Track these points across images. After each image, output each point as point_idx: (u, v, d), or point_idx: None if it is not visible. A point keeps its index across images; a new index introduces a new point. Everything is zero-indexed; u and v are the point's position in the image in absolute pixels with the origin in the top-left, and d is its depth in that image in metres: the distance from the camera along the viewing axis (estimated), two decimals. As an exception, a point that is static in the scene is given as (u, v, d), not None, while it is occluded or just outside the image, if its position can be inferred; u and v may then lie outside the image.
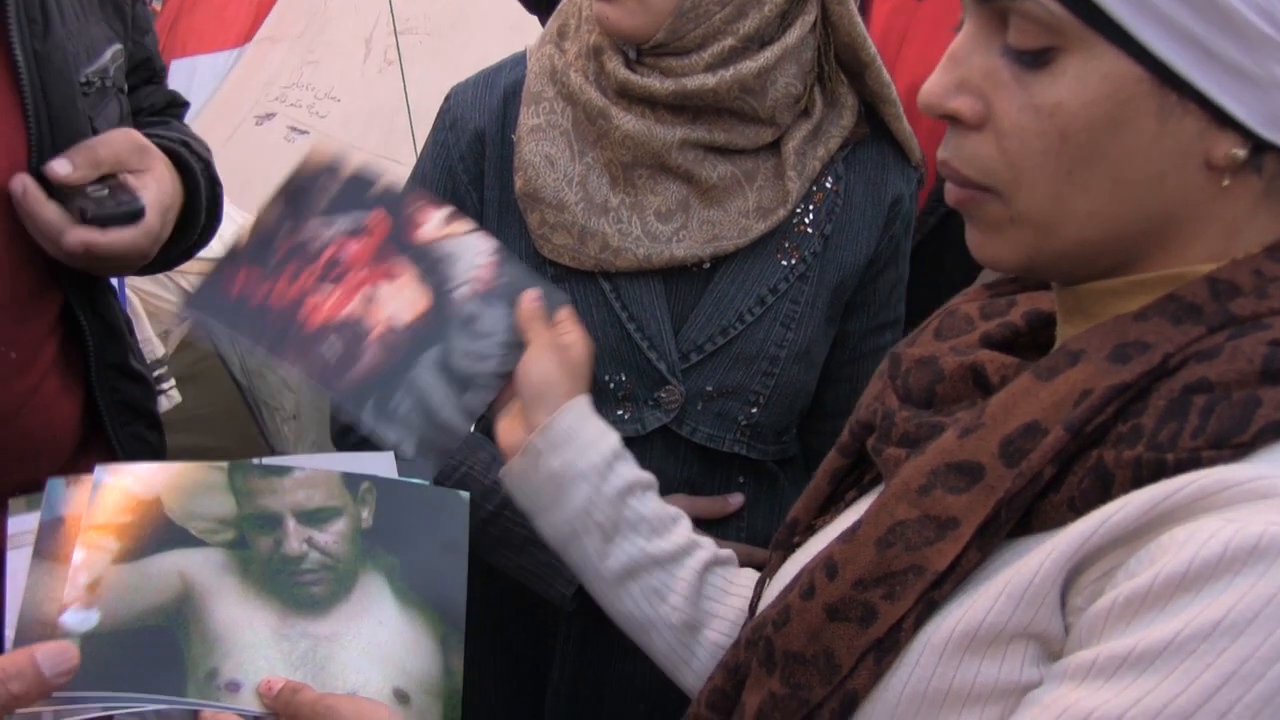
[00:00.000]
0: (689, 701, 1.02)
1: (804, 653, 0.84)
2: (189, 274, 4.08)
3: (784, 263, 1.53)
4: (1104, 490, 0.77)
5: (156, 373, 3.54)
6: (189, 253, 1.58)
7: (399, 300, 1.23)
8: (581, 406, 1.20)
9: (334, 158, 1.28)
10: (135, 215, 1.34)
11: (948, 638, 0.80)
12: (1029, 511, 0.80)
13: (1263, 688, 0.67)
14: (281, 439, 3.68)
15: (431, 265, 1.25)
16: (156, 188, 1.38)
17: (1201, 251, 0.82)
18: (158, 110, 1.62)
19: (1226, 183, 0.80)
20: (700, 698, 0.95)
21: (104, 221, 1.32)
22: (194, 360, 3.68)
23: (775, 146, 1.52)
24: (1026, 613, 0.77)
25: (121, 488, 1.07)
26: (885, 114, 1.57)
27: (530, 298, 1.25)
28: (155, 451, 1.58)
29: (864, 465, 1.01)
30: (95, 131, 1.39)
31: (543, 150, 1.50)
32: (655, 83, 1.44)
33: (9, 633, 0.99)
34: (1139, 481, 0.75)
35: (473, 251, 1.27)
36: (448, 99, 1.61)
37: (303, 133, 4.63)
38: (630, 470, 1.19)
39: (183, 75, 4.85)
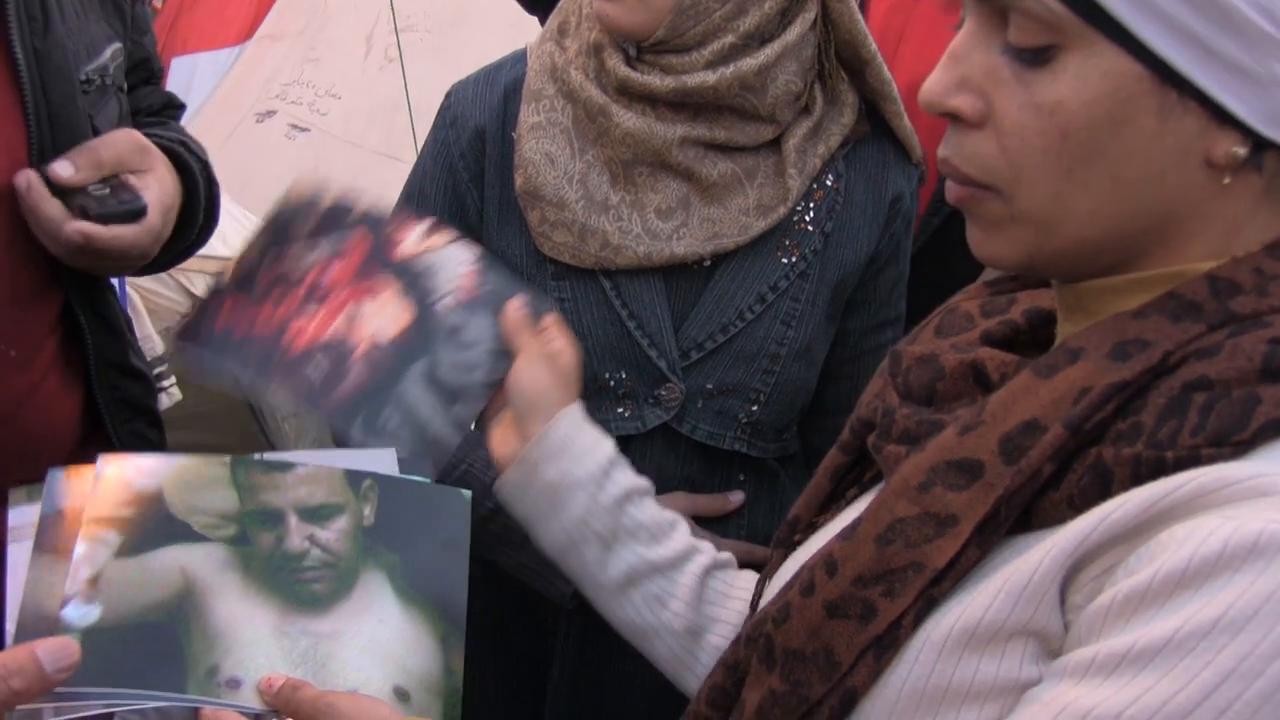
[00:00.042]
0: (689, 700, 1.02)
1: (804, 650, 0.84)
2: (190, 271, 4.09)
3: (784, 260, 1.53)
4: (1103, 488, 0.77)
5: (157, 370, 3.54)
6: (186, 252, 1.58)
7: (382, 316, 1.22)
8: (575, 415, 1.20)
9: (315, 190, 1.28)
10: (137, 214, 1.34)
11: (947, 635, 0.80)
12: (1028, 509, 0.80)
13: (1262, 685, 0.67)
14: (282, 437, 3.69)
15: (413, 279, 1.24)
16: (158, 188, 1.38)
17: (1202, 249, 0.82)
18: (155, 111, 1.62)
19: (1227, 181, 0.80)
20: (700, 695, 0.95)
21: (106, 220, 1.32)
22: (195, 358, 3.67)
23: (776, 144, 1.52)
24: (1026, 610, 0.77)
25: (123, 479, 1.06)
26: (886, 111, 1.57)
27: (515, 305, 1.24)
28: (155, 449, 1.58)
29: (865, 463, 1.01)
30: (95, 129, 1.39)
31: (543, 148, 1.50)
32: (655, 80, 1.44)
33: (9, 626, 0.99)
34: (1138, 479, 0.75)
35: (454, 262, 1.26)
36: (448, 97, 1.61)
37: (303, 130, 4.64)
38: (627, 477, 1.19)
39: (183, 73, 4.85)
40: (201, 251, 1.66)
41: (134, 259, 1.38)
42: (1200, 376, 0.76)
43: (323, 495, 1.10)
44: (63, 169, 1.30)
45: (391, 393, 1.20)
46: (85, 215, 1.31)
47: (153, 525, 1.05)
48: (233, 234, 3.95)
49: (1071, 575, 0.77)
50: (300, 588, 1.05)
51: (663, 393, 1.54)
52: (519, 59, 1.59)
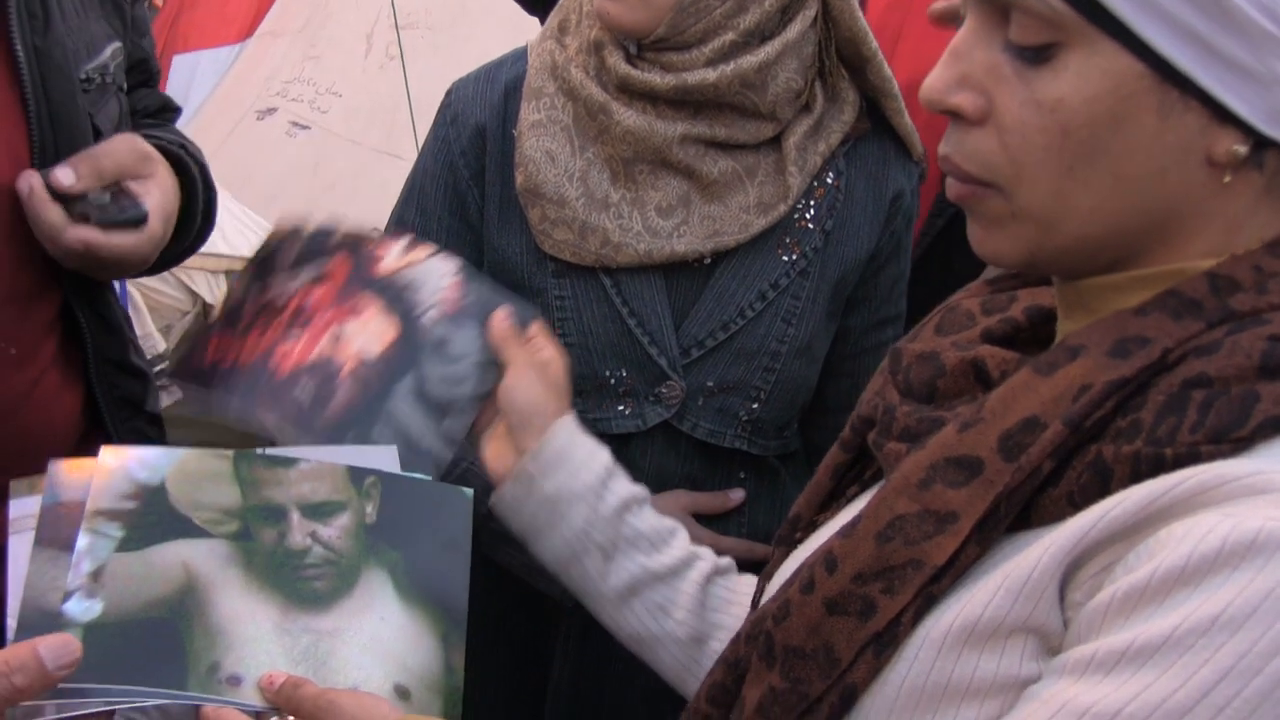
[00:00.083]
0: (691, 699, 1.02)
1: (803, 647, 0.84)
2: (191, 269, 4.09)
3: (785, 258, 1.54)
4: (1103, 485, 0.77)
5: (157, 368, 3.54)
6: (182, 255, 1.58)
7: (366, 334, 1.22)
8: (570, 426, 1.20)
9: (297, 223, 1.28)
10: (138, 221, 1.35)
11: (946, 632, 0.80)
12: (1028, 506, 0.80)
13: (1260, 682, 0.68)
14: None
15: (396, 295, 1.24)
16: (159, 194, 1.39)
17: (1202, 247, 0.82)
18: (151, 113, 1.62)
19: (1228, 179, 0.80)
20: (700, 692, 0.95)
21: (107, 227, 1.32)
22: (195, 355, 3.67)
23: (776, 142, 1.52)
24: (1025, 607, 0.77)
25: (125, 471, 1.06)
26: (887, 109, 1.57)
27: (500, 316, 1.23)
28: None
29: (866, 460, 1.01)
30: (96, 128, 1.39)
31: (543, 146, 1.50)
32: (656, 78, 1.44)
33: (11, 621, 0.99)
34: (1137, 476, 0.76)
35: (436, 275, 1.26)
36: (448, 94, 1.61)
37: (304, 128, 4.64)
38: (624, 486, 1.19)
39: (185, 70, 4.85)
40: (203, 249, 1.66)
41: (134, 265, 1.38)
42: (1199, 374, 0.76)
43: (325, 492, 1.10)
44: (64, 176, 1.30)
45: (381, 410, 1.19)
46: (86, 222, 1.31)
47: (155, 519, 1.05)
48: (233, 232, 3.96)
49: (1071, 572, 0.77)
50: (302, 585, 1.05)
51: (663, 390, 1.54)
52: (519, 57, 1.59)
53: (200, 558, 1.04)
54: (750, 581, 1.18)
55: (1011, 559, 0.79)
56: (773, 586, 1.01)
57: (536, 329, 1.24)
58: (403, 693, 1.04)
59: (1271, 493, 0.70)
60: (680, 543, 1.19)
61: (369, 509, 1.10)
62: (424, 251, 1.27)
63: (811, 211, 1.54)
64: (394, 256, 1.26)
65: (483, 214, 1.56)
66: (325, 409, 1.19)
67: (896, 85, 1.57)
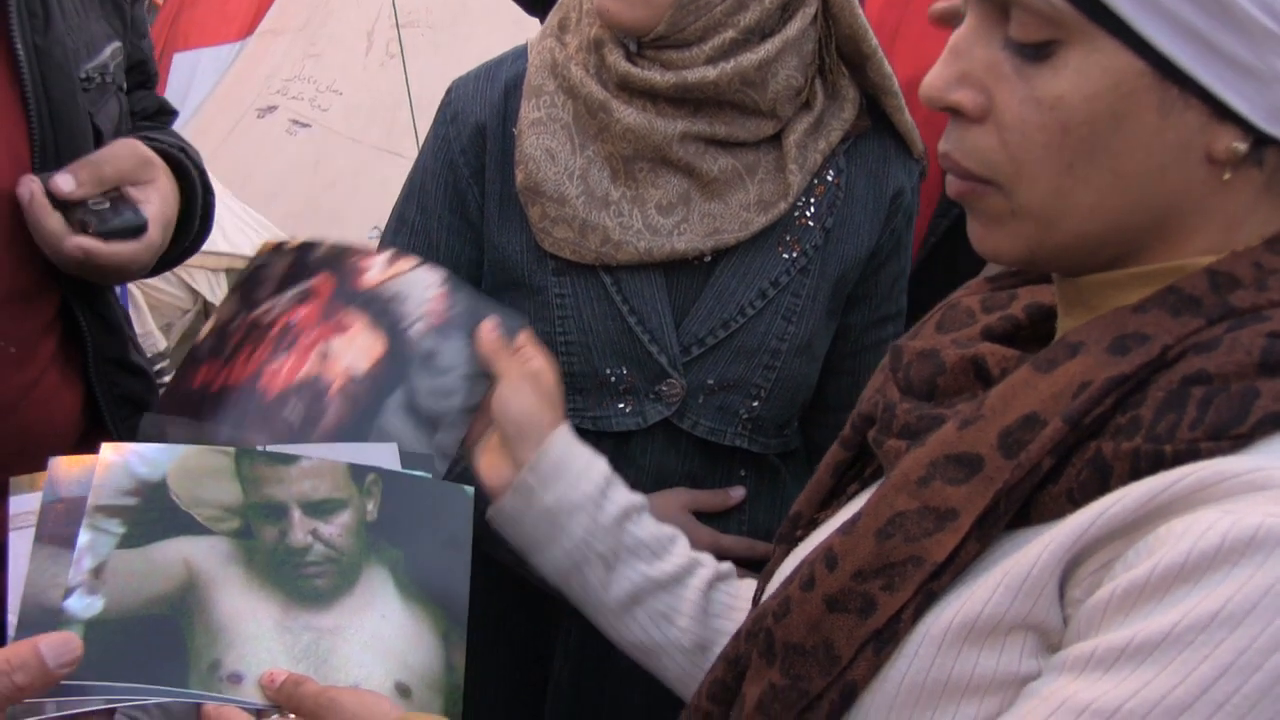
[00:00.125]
0: (693, 700, 1.02)
1: (804, 644, 0.85)
2: (192, 267, 4.09)
3: (785, 256, 1.54)
4: (1102, 482, 0.77)
5: (158, 366, 3.54)
6: (179, 258, 1.58)
7: (353, 349, 1.21)
8: (566, 436, 1.19)
9: (280, 243, 1.28)
10: (138, 230, 1.34)
11: (946, 628, 0.80)
12: (1028, 503, 0.80)
13: (1260, 679, 0.68)
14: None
15: (382, 309, 1.23)
16: (159, 201, 1.38)
17: (1202, 244, 0.82)
18: (149, 115, 1.62)
19: (1227, 176, 0.80)
20: (701, 689, 0.95)
21: (106, 236, 1.32)
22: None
23: (776, 139, 1.52)
24: (1025, 604, 0.77)
25: (126, 467, 1.06)
26: (887, 106, 1.57)
27: (488, 327, 1.22)
28: (157, 446, 1.58)
29: (866, 458, 1.01)
30: (96, 128, 1.39)
31: (543, 144, 1.50)
32: (656, 75, 1.44)
33: (11, 618, 0.99)
34: (1137, 473, 0.76)
35: (421, 286, 1.25)
36: (449, 93, 1.61)
37: (304, 126, 4.64)
38: (623, 495, 1.19)
39: (185, 69, 4.85)
40: (204, 248, 1.66)
41: (132, 273, 1.38)
42: (1199, 370, 0.76)
43: (326, 490, 1.10)
44: (64, 183, 1.30)
45: (372, 426, 1.18)
46: (85, 230, 1.31)
47: (157, 516, 1.05)
48: (233, 230, 3.96)
49: (1070, 569, 0.77)
50: (303, 582, 1.05)
51: (664, 388, 1.54)
52: (519, 55, 1.59)
53: (201, 555, 1.04)
54: (751, 586, 1.18)
55: (1011, 556, 0.79)
56: (773, 584, 1.01)
57: (524, 338, 1.23)
58: (404, 691, 1.04)
59: (1271, 489, 0.71)
60: (681, 549, 1.19)
61: (370, 506, 1.10)
62: (408, 263, 1.26)
63: (812, 209, 1.54)
64: (378, 269, 1.25)
65: (483, 212, 1.56)
66: (316, 428, 1.18)
67: (897, 82, 1.57)
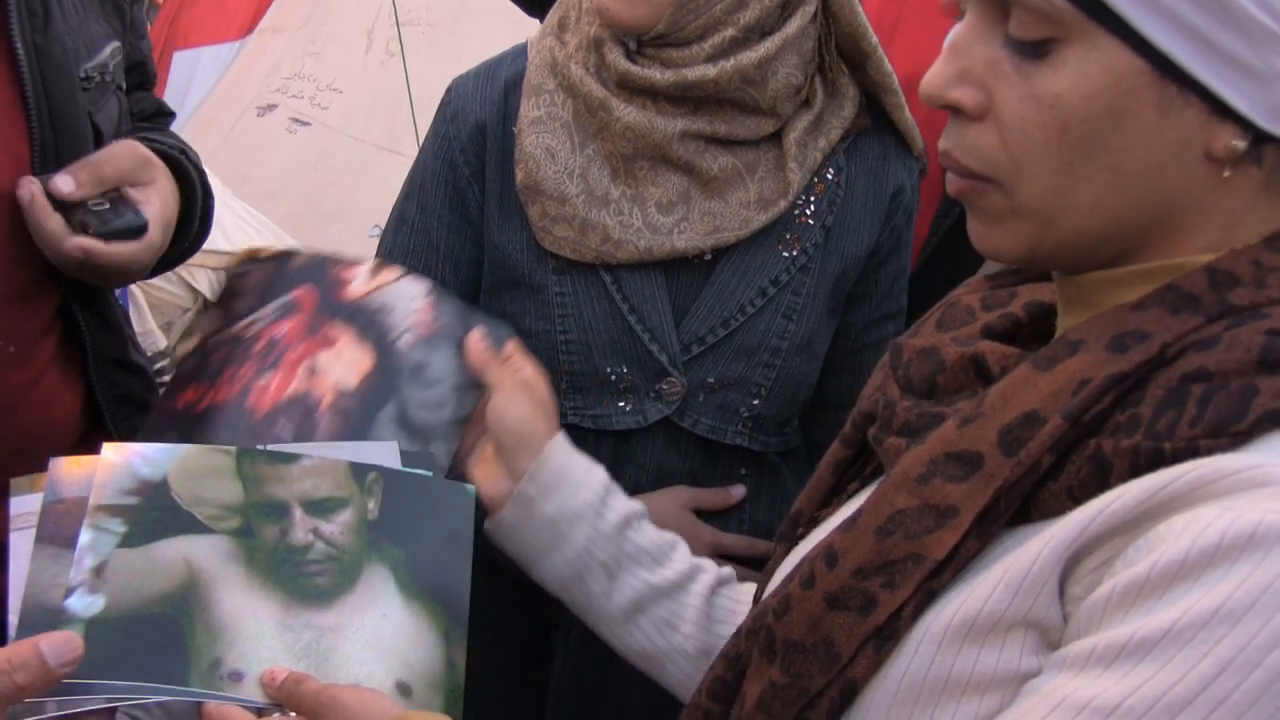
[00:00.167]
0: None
1: (804, 642, 0.85)
2: (193, 266, 4.09)
3: (785, 254, 1.54)
4: (1102, 479, 0.77)
5: (158, 365, 3.54)
6: (177, 260, 1.58)
7: (341, 364, 1.20)
8: (564, 444, 1.19)
9: (256, 250, 1.26)
10: (138, 231, 1.34)
11: (946, 626, 0.80)
12: (1028, 500, 0.80)
13: (1260, 675, 0.68)
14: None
15: (368, 321, 1.22)
16: (159, 202, 1.38)
17: (1201, 242, 0.82)
18: (147, 116, 1.62)
19: (1227, 174, 0.80)
20: (701, 687, 0.95)
21: (106, 237, 1.32)
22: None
23: (776, 138, 1.52)
24: (1025, 601, 0.77)
25: (128, 466, 1.06)
26: (887, 104, 1.57)
27: (476, 338, 1.22)
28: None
29: (866, 456, 1.01)
30: (96, 127, 1.39)
31: (543, 142, 1.50)
32: (656, 73, 1.44)
33: (12, 619, 0.99)
34: (1137, 470, 0.76)
35: (407, 297, 1.24)
36: (449, 91, 1.61)
37: (304, 124, 4.64)
38: (623, 502, 1.19)
39: (185, 67, 4.85)
40: (204, 246, 1.66)
41: (133, 274, 1.38)
42: (1198, 368, 0.76)
43: (328, 488, 1.10)
44: (64, 184, 1.30)
45: (365, 441, 1.18)
46: (85, 231, 1.31)
47: (158, 515, 1.05)
48: (234, 228, 3.96)
49: (1070, 567, 0.77)
50: (304, 581, 1.05)
51: (664, 387, 1.54)
52: (519, 53, 1.59)
53: (202, 554, 1.04)
54: (753, 590, 1.18)
55: (1011, 553, 0.79)
56: (774, 582, 1.02)
57: (512, 348, 1.23)
58: (404, 689, 1.04)
59: (1270, 486, 0.71)
60: (681, 555, 1.19)
61: (371, 505, 1.10)
62: (393, 273, 1.25)
63: (812, 207, 1.54)
64: (362, 280, 1.24)
65: (483, 211, 1.56)
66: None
67: (897, 80, 1.57)
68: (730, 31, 1.43)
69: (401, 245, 1.59)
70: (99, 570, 1.01)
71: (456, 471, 1.24)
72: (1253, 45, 0.77)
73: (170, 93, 4.58)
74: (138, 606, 1.01)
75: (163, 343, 4.06)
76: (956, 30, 0.85)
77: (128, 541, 1.03)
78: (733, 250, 1.52)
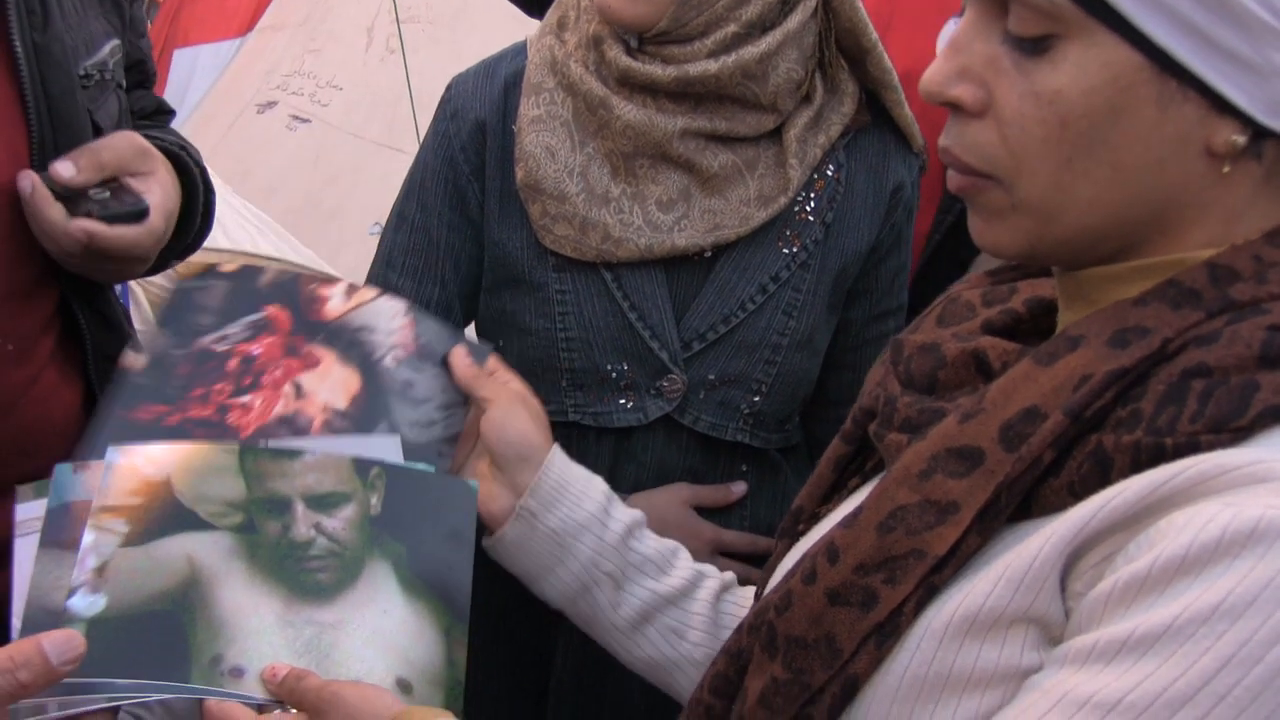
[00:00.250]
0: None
1: (805, 637, 0.85)
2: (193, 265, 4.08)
3: (785, 251, 1.54)
4: (1103, 475, 0.77)
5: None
6: (182, 255, 1.58)
7: (328, 385, 1.18)
8: (561, 456, 1.18)
9: (211, 265, 1.23)
10: (140, 215, 1.34)
11: (948, 622, 0.80)
12: (1029, 496, 0.81)
13: (1261, 671, 0.68)
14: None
15: (350, 341, 1.20)
16: (160, 191, 1.38)
17: (1202, 237, 0.82)
18: (147, 114, 1.62)
19: (1227, 169, 0.80)
20: (703, 683, 0.95)
21: (108, 222, 1.31)
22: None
23: (776, 134, 1.52)
24: (1026, 597, 0.77)
25: (133, 469, 1.06)
26: (887, 100, 1.57)
27: (461, 354, 1.21)
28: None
29: (867, 452, 1.01)
30: (95, 125, 1.39)
31: (543, 141, 1.50)
32: (657, 70, 1.44)
33: (15, 622, 0.99)
34: (1138, 466, 0.76)
35: (386, 316, 1.22)
36: (448, 89, 1.61)
37: (304, 121, 4.63)
38: (624, 511, 1.19)
39: (185, 65, 4.84)
40: (204, 244, 1.66)
41: (135, 261, 1.38)
42: (1199, 363, 0.76)
43: (330, 483, 1.10)
44: (64, 169, 1.30)
45: None
46: (88, 218, 1.31)
47: (160, 513, 1.04)
48: (234, 226, 3.95)
49: (1072, 562, 0.77)
50: (306, 577, 1.05)
51: (664, 384, 1.54)
52: (519, 51, 1.59)
53: (204, 550, 1.04)
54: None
55: (1012, 549, 0.79)
56: (775, 578, 1.02)
57: (494, 363, 1.22)
58: (405, 686, 1.04)
59: (1271, 481, 0.71)
60: (684, 562, 1.19)
61: (374, 500, 1.10)
62: (370, 293, 1.23)
63: (812, 204, 1.54)
64: (339, 299, 1.21)
65: (483, 208, 1.56)
66: None
67: (896, 76, 1.57)
68: (732, 28, 1.43)
69: (401, 243, 1.59)
70: (101, 570, 1.01)
71: None
72: (1251, 40, 0.77)
73: (170, 90, 4.58)
74: (139, 604, 1.01)
75: (163, 341, 4.05)
76: (956, 27, 0.85)
77: (130, 540, 1.03)
78: (733, 247, 1.52)
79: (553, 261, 1.52)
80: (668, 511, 1.55)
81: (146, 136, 1.43)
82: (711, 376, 1.55)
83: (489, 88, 1.56)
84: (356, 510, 1.09)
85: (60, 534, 1.02)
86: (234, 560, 1.04)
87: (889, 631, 0.82)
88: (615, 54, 1.46)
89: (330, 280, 1.23)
